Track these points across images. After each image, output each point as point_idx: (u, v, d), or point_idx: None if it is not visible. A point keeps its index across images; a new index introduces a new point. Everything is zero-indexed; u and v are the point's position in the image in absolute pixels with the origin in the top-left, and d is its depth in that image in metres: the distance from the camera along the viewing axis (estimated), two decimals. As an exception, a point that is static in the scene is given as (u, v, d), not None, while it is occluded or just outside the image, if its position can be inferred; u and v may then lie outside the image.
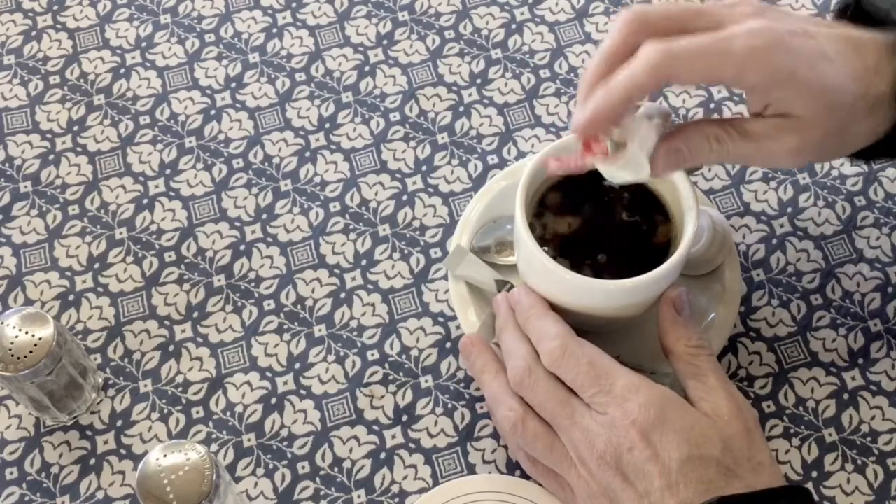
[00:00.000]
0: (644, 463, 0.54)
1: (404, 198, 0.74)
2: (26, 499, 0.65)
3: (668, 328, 0.60)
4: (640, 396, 0.55)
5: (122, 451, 0.66)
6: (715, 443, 0.55)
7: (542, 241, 0.62)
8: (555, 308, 0.64)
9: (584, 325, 0.66)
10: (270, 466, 0.65)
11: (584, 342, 0.59)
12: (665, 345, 0.61)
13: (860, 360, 0.68)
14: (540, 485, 0.62)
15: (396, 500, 0.64)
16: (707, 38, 0.54)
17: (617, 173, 0.58)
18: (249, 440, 0.66)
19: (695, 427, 0.55)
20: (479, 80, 0.79)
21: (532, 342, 0.60)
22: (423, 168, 0.75)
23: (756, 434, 0.56)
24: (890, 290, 0.71)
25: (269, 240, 0.73)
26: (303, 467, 0.65)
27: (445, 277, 0.71)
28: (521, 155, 0.76)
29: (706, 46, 0.53)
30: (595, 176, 0.65)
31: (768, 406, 0.67)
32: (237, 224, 0.73)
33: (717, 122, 0.58)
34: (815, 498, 0.54)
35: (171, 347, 0.69)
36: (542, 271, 0.61)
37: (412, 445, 0.66)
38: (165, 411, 0.67)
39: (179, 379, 0.68)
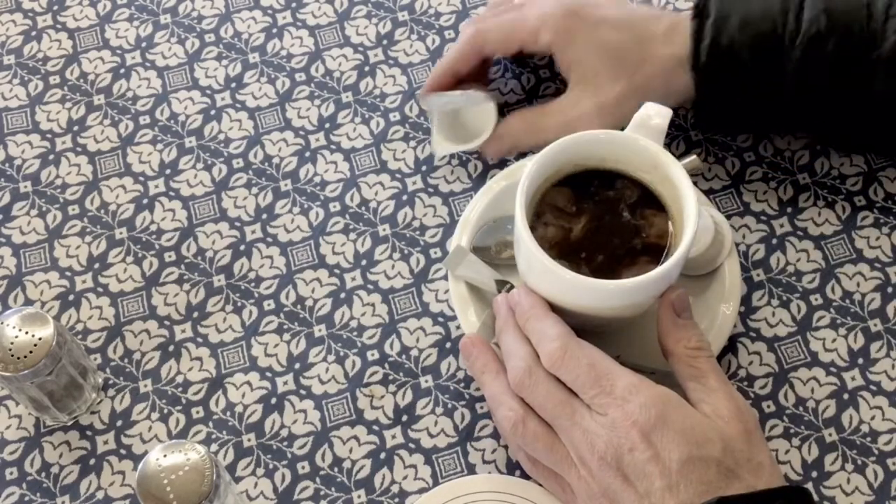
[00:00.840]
0: (645, 463, 0.54)
1: (404, 198, 0.74)
2: (26, 499, 0.65)
3: (668, 330, 0.60)
4: (641, 397, 0.55)
5: (122, 451, 0.66)
6: (715, 443, 0.55)
7: (542, 240, 0.62)
8: (555, 308, 0.64)
9: (584, 325, 0.66)
10: (270, 466, 0.65)
11: (585, 343, 0.59)
12: (665, 346, 0.61)
13: (860, 360, 0.68)
14: (540, 485, 0.62)
15: (396, 500, 0.64)
16: (508, 15, 0.73)
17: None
18: (249, 440, 0.66)
19: (695, 428, 0.55)
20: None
21: (532, 343, 0.60)
22: (423, 168, 0.75)
23: (756, 435, 0.57)
24: (890, 290, 0.71)
25: (269, 240, 0.73)
26: (303, 467, 0.65)
27: (445, 277, 0.71)
28: (521, 155, 0.76)
29: (507, 19, 0.73)
30: (596, 176, 0.65)
31: (768, 406, 0.67)
32: (237, 224, 0.73)
33: (530, 108, 0.74)
34: (815, 498, 0.54)
35: (171, 347, 0.69)
36: (542, 271, 0.61)
37: (412, 445, 0.66)
38: (165, 411, 0.67)
39: (179, 379, 0.68)
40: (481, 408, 0.67)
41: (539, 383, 0.58)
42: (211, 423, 0.67)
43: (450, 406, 0.67)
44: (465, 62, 0.73)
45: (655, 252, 0.63)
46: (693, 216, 0.60)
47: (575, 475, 0.57)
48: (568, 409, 0.57)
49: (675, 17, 0.70)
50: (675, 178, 0.62)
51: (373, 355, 0.69)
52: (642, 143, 0.63)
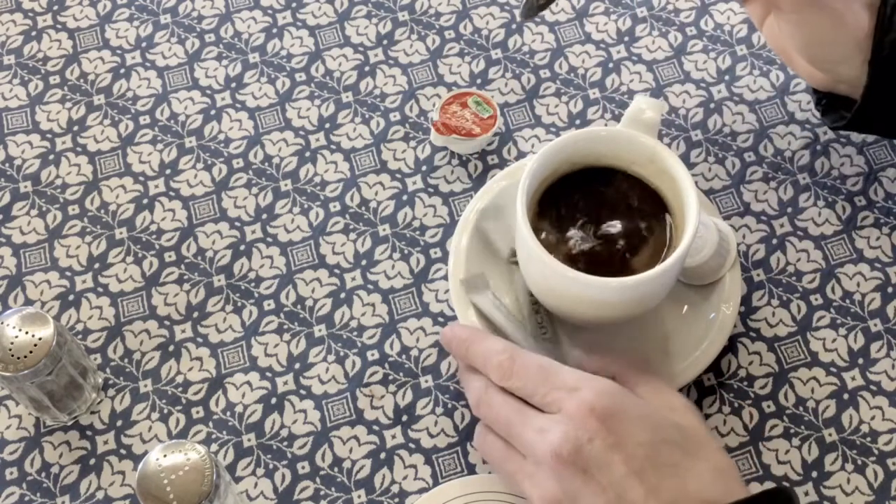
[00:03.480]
0: (606, 452, 0.51)
1: (404, 198, 0.74)
2: (26, 499, 0.65)
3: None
4: (594, 384, 0.54)
5: (122, 451, 0.66)
6: (674, 429, 0.53)
7: (543, 239, 0.62)
8: (556, 307, 0.64)
9: (584, 323, 0.66)
10: (270, 466, 0.65)
11: (531, 352, 0.58)
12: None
13: (860, 360, 0.68)
14: None
15: (396, 500, 0.64)
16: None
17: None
18: (249, 440, 0.66)
19: (652, 414, 0.54)
20: (479, 80, 0.79)
21: (481, 369, 0.59)
22: (423, 168, 0.75)
23: (707, 426, 0.56)
24: (890, 290, 0.71)
25: (269, 240, 0.73)
26: (303, 467, 0.65)
27: (445, 277, 0.71)
28: (521, 155, 0.76)
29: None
30: (596, 175, 0.65)
31: (768, 406, 0.67)
32: (237, 224, 0.73)
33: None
34: (798, 497, 0.53)
35: (171, 347, 0.69)
36: (543, 269, 0.61)
37: (412, 445, 0.66)
38: (165, 411, 0.67)
39: (179, 379, 0.68)
40: (481, 408, 0.67)
41: (492, 398, 0.57)
42: (211, 423, 0.67)
43: (450, 406, 0.67)
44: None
45: (656, 249, 0.63)
46: (694, 211, 0.60)
47: (529, 486, 0.55)
48: (520, 416, 0.55)
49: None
50: (673, 171, 0.62)
51: (373, 355, 0.69)
52: (640, 139, 0.63)
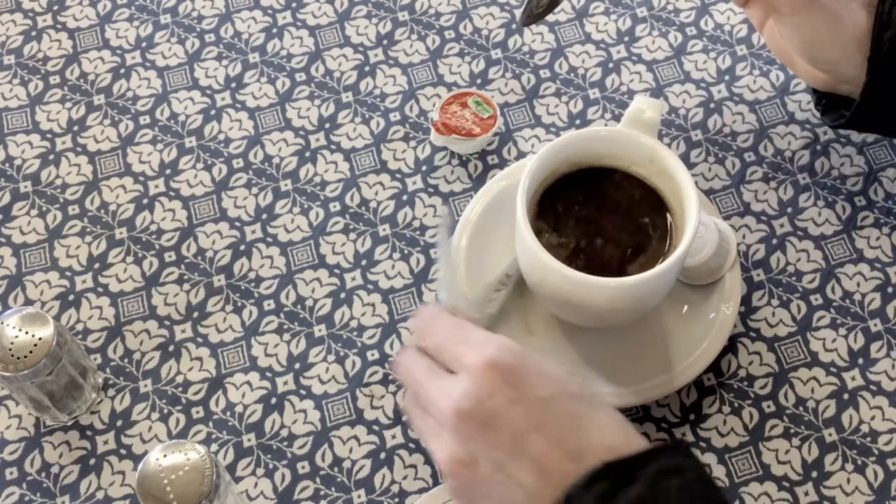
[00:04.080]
0: (506, 406, 0.51)
1: (404, 198, 0.74)
2: (26, 499, 0.65)
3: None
4: (497, 341, 0.53)
5: (122, 451, 0.66)
6: (572, 381, 0.53)
7: (543, 239, 0.62)
8: (556, 306, 0.64)
9: (585, 323, 0.66)
10: (270, 466, 0.65)
11: (453, 316, 0.57)
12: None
13: (860, 360, 0.68)
14: None
15: (396, 500, 0.64)
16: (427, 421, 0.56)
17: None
18: (249, 440, 0.66)
19: (552, 370, 0.53)
20: (479, 80, 0.79)
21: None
22: (423, 168, 0.75)
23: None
24: (890, 290, 0.70)
25: (269, 240, 0.73)
26: (303, 467, 0.65)
27: (445, 277, 0.71)
28: (521, 155, 0.76)
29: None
30: (596, 175, 0.65)
31: (768, 406, 0.67)
32: (237, 224, 0.73)
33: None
34: (694, 451, 0.52)
35: (171, 347, 0.69)
36: (543, 269, 0.61)
37: (412, 445, 0.66)
38: (165, 411, 0.67)
39: (179, 379, 0.68)
40: (481, 408, 0.67)
41: (406, 358, 0.56)
42: (211, 423, 0.67)
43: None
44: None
45: (656, 249, 0.63)
46: (694, 211, 0.60)
47: (435, 446, 0.54)
48: (428, 376, 0.54)
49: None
50: (673, 171, 0.62)
51: (373, 355, 0.69)
52: (640, 139, 0.63)
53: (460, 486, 0.53)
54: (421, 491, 0.65)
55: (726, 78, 0.79)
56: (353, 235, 0.73)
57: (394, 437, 0.66)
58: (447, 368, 0.54)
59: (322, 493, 0.65)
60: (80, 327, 0.70)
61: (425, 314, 0.57)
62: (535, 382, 0.52)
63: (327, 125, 0.77)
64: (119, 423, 0.67)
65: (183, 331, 0.70)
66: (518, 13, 0.81)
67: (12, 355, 0.61)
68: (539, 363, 0.53)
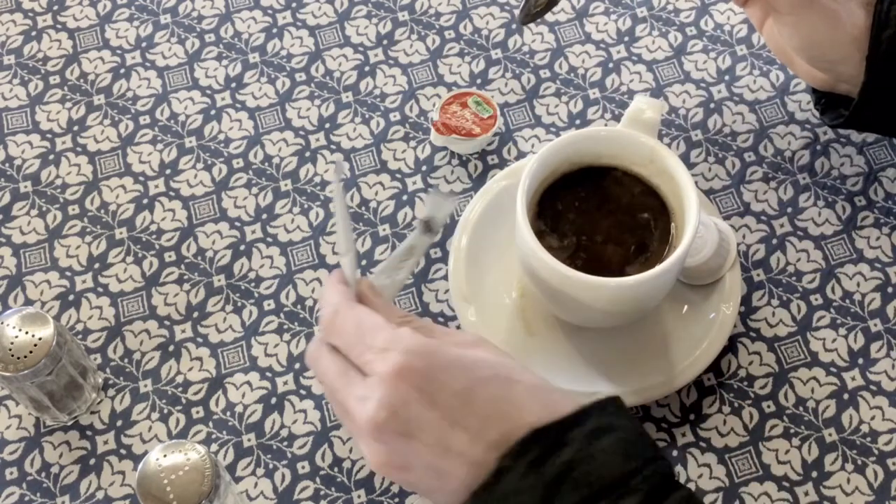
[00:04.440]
0: (422, 411, 0.50)
1: (404, 198, 0.74)
2: (26, 499, 0.65)
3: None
4: (402, 345, 0.51)
5: (122, 451, 0.66)
6: (485, 364, 0.52)
7: (543, 238, 0.62)
8: (556, 306, 0.64)
9: (585, 323, 0.66)
10: (270, 466, 0.65)
11: (360, 305, 0.55)
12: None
13: (860, 360, 0.68)
14: None
15: (396, 500, 0.64)
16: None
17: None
18: (249, 440, 0.66)
19: (462, 357, 0.52)
20: (479, 80, 0.79)
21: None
22: (423, 168, 0.75)
23: (498, 350, 0.54)
24: (890, 290, 0.70)
25: (269, 240, 0.73)
26: (303, 467, 0.65)
27: (445, 277, 0.71)
28: (521, 155, 0.76)
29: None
30: (596, 175, 0.65)
31: (768, 406, 0.67)
32: (237, 224, 0.73)
33: None
34: (624, 404, 0.51)
35: (171, 347, 0.69)
36: (543, 269, 0.61)
37: (412, 445, 0.66)
38: (165, 411, 0.67)
39: (179, 379, 0.68)
40: (481, 408, 0.67)
41: (320, 358, 0.55)
42: (211, 423, 0.67)
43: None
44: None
45: (656, 249, 0.63)
46: (694, 211, 0.60)
47: (363, 448, 0.53)
48: (343, 381, 0.53)
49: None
50: (673, 171, 0.62)
51: (373, 355, 0.69)
52: (640, 138, 0.63)
53: (401, 482, 0.53)
54: (421, 491, 0.65)
55: (726, 78, 0.79)
56: (353, 235, 0.73)
57: (394, 437, 0.66)
58: (358, 368, 0.53)
59: (322, 493, 0.65)
60: (80, 327, 0.70)
61: (328, 305, 0.55)
62: (445, 378, 0.50)
63: (327, 125, 0.77)
64: (119, 423, 0.67)
65: (183, 331, 0.70)
66: (517, 13, 0.81)
67: (12, 355, 0.61)
68: (446, 354, 0.51)
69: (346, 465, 0.65)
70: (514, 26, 0.81)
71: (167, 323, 0.70)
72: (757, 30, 0.70)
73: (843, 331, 0.69)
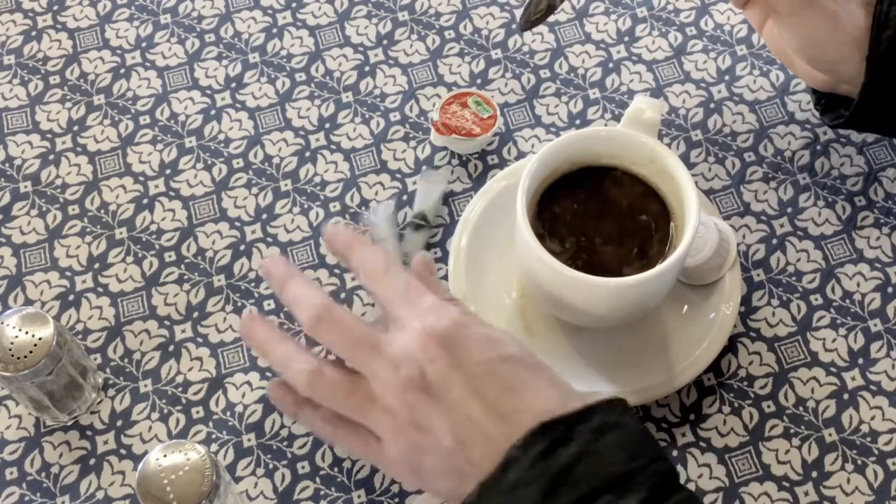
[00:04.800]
0: (446, 372, 0.52)
1: (404, 198, 0.74)
2: (26, 499, 0.65)
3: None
4: (439, 310, 0.54)
5: (122, 451, 0.66)
6: (511, 344, 0.54)
7: (543, 239, 0.62)
8: (556, 306, 0.64)
9: (585, 323, 0.66)
10: (270, 466, 0.65)
11: (405, 268, 0.57)
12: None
13: (860, 360, 0.68)
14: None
15: (396, 500, 0.64)
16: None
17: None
18: (249, 440, 0.66)
19: (491, 333, 0.54)
20: (479, 80, 0.79)
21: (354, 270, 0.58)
22: (423, 168, 0.75)
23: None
24: (890, 290, 0.70)
25: (269, 240, 0.73)
26: (303, 467, 0.65)
27: (445, 277, 0.71)
28: (521, 155, 0.76)
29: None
30: (596, 175, 0.65)
31: (768, 406, 0.67)
32: (237, 224, 0.73)
33: None
34: (629, 406, 0.52)
35: (171, 347, 0.69)
36: (543, 269, 0.61)
37: (412, 445, 0.66)
38: (165, 411, 0.67)
39: (179, 379, 0.68)
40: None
41: (341, 317, 0.55)
42: (211, 423, 0.67)
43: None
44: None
45: (656, 249, 0.63)
46: (694, 211, 0.60)
47: (378, 413, 0.54)
48: (369, 340, 0.54)
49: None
50: (673, 171, 0.62)
51: (373, 355, 0.69)
52: (640, 138, 0.63)
53: (409, 450, 0.53)
54: (421, 491, 0.65)
55: (726, 78, 0.79)
56: (353, 235, 0.73)
57: (394, 437, 0.66)
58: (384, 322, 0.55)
59: (322, 493, 0.65)
60: (80, 327, 0.70)
61: (377, 259, 0.57)
62: (473, 347, 0.53)
63: (327, 125, 0.77)
64: (119, 423, 0.67)
65: (183, 331, 0.70)
66: (518, 14, 0.81)
67: (12, 355, 0.61)
68: (480, 328, 0.54)
69: (346, 465, 0.65)
70: (513, 26, 0.81)
71: (167, 323, 0.70)
72: (756, 31, 0.70)
73: (843, 331, 0.69)
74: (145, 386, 0.68)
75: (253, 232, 0.73)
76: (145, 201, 0.74)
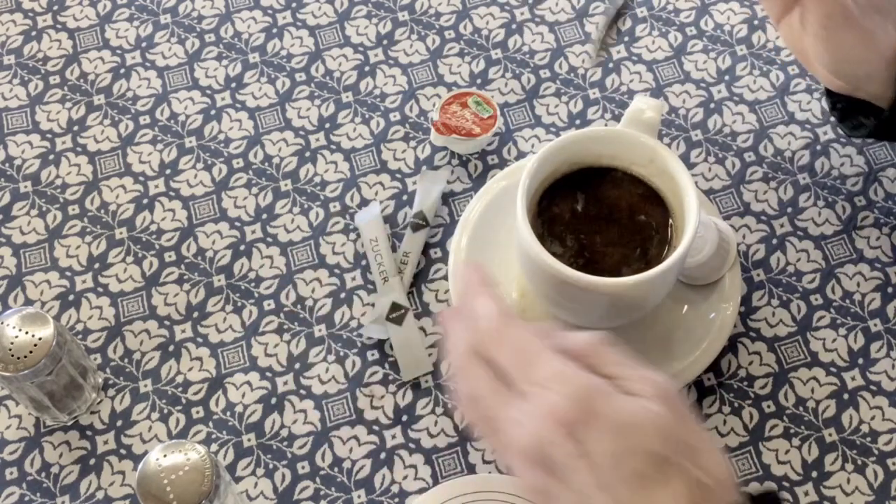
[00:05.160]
0: (570, 459, 0.49)
1: (404, 198, 0.74)
2: (26, 499, 0.65)
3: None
4: (565, 387, 0.50)
5: (122, 451, 0.66)
6: (647, 432, 0.49)
7: (543, 239, 0.62)
8: (556, 306, 0.64)
9: (585, 323, 0.66)
10: (270, 466, 0.65)
11: (517, 322, 0.53)
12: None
13: (860, 360, 0.68)
14: None
15: (396, 500, 0.64)
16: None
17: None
18: (249, 440, 0.66)
19: (625, 416, 0.49)
20: (479, 80, 0.79)
21: (466, 323, 0.54)
22: (423, 168, 0.75)
23: (686, 413, 0.51)
24: (890, 290, 0.71)
25: (269, 240, 0.73)
26: (303, 467, 0.65)
27: (445, 277, 0.71)
28: (521, 155, 0.76)
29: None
30: (596, 175, 0.65)
31: (768, 406, 0.67)
32: (237, 224, 0.73)
33: None
34: (785, 497, 0.51)
35: (171, 347, 0.69)
36: (543, 269, 0.61)
37: (412, 445, 0.66)
38: (165, 411, 0.67)
39: (179, 379, 0.68)
40: (481, 408, 0.67)
41: (473, 366, 0.52)
42: (211, 423, 0.67)
43: (450, 406, 0.67)
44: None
45: (656, 249, 0.63)
46: (694, 211, 0.60)
47: (515, 469, 0.52)
48: (498, 397, 0.51)
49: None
50: (673, 171, 0.62)
51: (373, 355, 0.69)
52: (640, 139, 0.63)
53: (538, 491, 0.51)
54: (421, 491, 0.65)
55: (726, 78, 0.79)
56: (353, 235, 0.73)
57: (394, 437, 0.66)
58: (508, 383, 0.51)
59: (322, 493, 0.65)
60: (80, 327, 0.70)
61: (484, 315, 0.53)
62: (600, 436, 0.48)
63: (327, 125, 0.77)
64: (119, 423, 0.67)
65: (183, 331, 0.70)
66: (585, 60, 0.80)
67: (12, 355, 0.61)
68: (611, 408, 0.49)
69: (346, 465, 0.65)
70: (513, 26, 0.81)
71: (167, 323, 0.70)
72: (773, 24, 0.68)
73: (843, 331, 0.69)
74: (145, 386, 0.68)
75: (253, 232, 0.73)
76: (145, 201, 0.74)
